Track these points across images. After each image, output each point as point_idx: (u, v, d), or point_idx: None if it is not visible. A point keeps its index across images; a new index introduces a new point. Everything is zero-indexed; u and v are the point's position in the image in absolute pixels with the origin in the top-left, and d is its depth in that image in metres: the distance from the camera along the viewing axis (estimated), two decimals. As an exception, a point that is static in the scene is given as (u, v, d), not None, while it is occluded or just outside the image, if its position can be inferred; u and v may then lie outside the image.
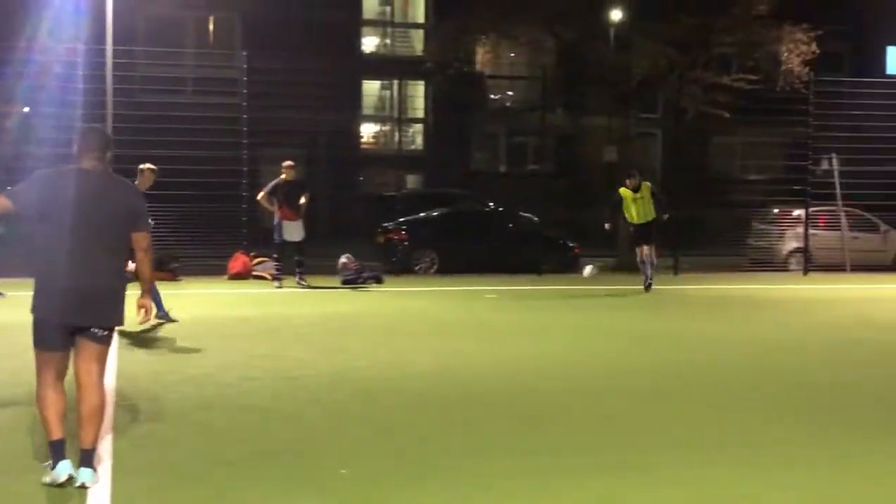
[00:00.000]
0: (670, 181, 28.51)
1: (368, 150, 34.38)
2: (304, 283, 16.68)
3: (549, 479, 5.85)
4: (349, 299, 15.32)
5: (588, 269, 17.15)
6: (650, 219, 16.78)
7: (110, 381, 8.22)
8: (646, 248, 16.73)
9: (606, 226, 17.51)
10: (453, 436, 6.85)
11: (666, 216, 17.15)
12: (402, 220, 20.48)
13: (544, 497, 5.51)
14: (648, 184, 16.96)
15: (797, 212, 21.64)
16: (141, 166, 12.27)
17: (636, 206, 16.71)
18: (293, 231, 16.55)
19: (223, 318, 12.86)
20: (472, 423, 7.26)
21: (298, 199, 16.55)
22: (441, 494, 5.56)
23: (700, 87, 21.91)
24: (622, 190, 16.87)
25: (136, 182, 12.16)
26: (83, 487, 5.41)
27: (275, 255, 17.06)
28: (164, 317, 12.04)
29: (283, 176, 16.61)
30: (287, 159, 16.96)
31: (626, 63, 22.22)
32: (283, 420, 7.24)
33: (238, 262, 18.12)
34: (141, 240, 5.79)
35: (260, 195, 16.75)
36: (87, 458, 5.55)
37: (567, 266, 20.94)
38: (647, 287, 16.63)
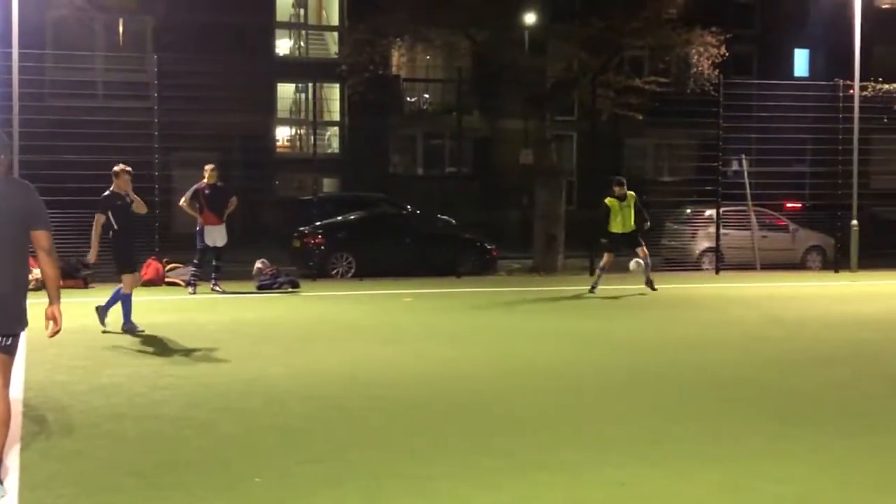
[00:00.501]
0: (585, 182, 28.90)
1: (284, 154, 34.16)
2: (218, 288, 16.47)
3: (462, 481, 5.87)
4: (265, 305, 15.19)
5: (633, 264, 16.75)
6: (633, 229, 16.71)
7: (17, 391, 8.04)
8: (640, 251, 16.77)
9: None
10: (368, 441, 6.84)
11: (647, 225, 17.20)
12: (318, 223, 20.36)
13: (457, 500, 5.53)
14: (633, 193, 16.90)
15: (709, 212, 22.09)
16: (115, 168, 12.15)
17: (622, 214, 16.62)
18: (216, 236, 16.34)
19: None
20: (386, 427, 7.26)
21: (222, 202, 16.36)
22: (358, 498, 5.55)
23: (613, 89, 22.21)
24: (608, 200, 16.73)
25: (112, 186, 12.08)
26: (-11, 502, 5.29)
27: (195, 261, 16.80)
28: (131, 330, 11.85)
29: (204, 180, 16.40)
30: (207, 163, 16.79)
31: (541, 66, 22.43)
32: (195, 428, 7.15)
33: (150, 268, 17.80)
34: (41, 238, 5.58)
35: (182, 201, 16.50)
36: (-8, 472, 5.42)
37: (485, 268, 21.06)
38: (650, 285, 16.78)
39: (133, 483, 5.77)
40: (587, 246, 20.62)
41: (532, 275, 21.01)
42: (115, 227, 11.71)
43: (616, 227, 16.69)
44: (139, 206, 12.14)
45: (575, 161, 33.50)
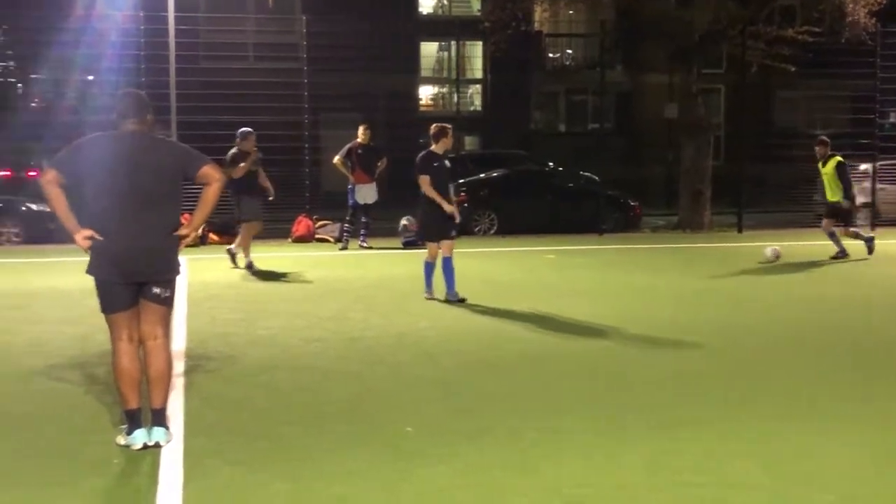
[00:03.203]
0: (734, 137, 28.18)
1: (427, 112, 34.42)
2: (366, 244, 16.88)
3: (607, 437, 5.91)
4: (410, 261, 15.43)
5: (769, 252, 14.84)
6: (834, 199, 15.00)
7: (180, 342, 8.47)
8: (850, 228, 15.34)
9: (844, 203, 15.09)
10: (514, 394, 6.93)
11: (846, 203, 14.98)
12: (461, 181, 20.52)
13: (604, 454, 5.58)
14: (838, 158, 14.94)
15: (864, 166, 21.26)
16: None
17: (823, 179, 15.14)
18: (367, 193, 16.77)
19: (287, 281, 13.10)
20: (532, 382, 7.34)
21: (373, 161, 16.74)
22: (505, 448, 5.66)
23: (763, 40, 21.53)
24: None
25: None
26: (157, 446, 5.59)
27: (347, 218, 17.25)
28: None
29: (357, 139, 16.78)
30: (353, 123, 17.17)
31: (687, 17, 21.91)
32: (347, 380, 7.38)
33: (301, 225, 18.38)
34: (209, 173, 5.73)
35: (335, 159, 16.92)
36: (158, 418, 5.73)
37: (628, 225, 20.87)
38: (870, 248, 15.32)
39: (289, 431, 6.02)
40: (735, 202, 20.17)
41: (677, 232, 20.72)
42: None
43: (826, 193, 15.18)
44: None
45: (723, 115, 32.68)
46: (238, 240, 14.16)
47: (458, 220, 11.27)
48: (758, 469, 5.31)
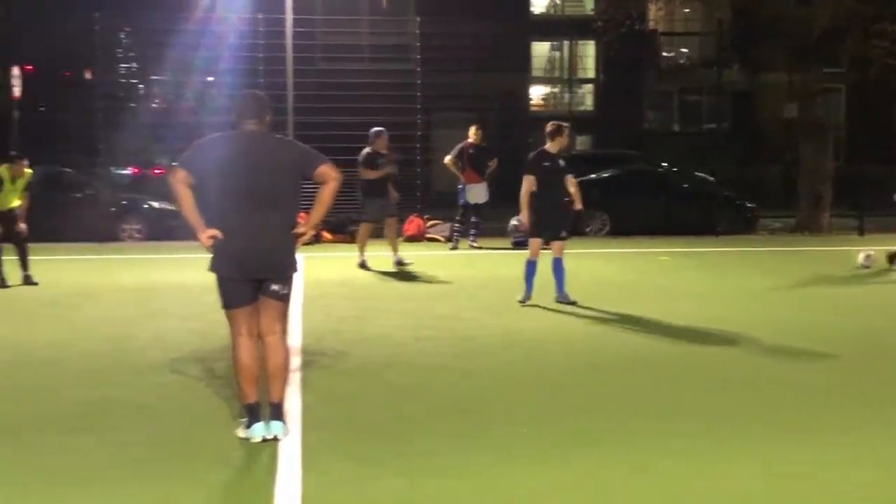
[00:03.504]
0: (855, 138, 27.35)
1: (538, 112, 34.33)
2: (476, 244, 16.94)
3: (723, 441, 5.81)
4: (519, 261, 15.34)
5: (861, 257, 14.16)
6: None
7: (297, 339, 8.64)
8: None
9: None
10: (625, 397, 6.87)
11: None
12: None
13: (719, 459, 5.49)
14: None
15: None
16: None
17: None
18: (478, 193, 16.83)
19: (399, 280, 13.24)
20: (643, 385, 7.26)
21: (483, 161, 16.79)
22: (619, 451, 5.62)
23: (888, 39, 20.83)
24: None
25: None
26: (275, 440, 5.71)
27: (457, 218, 17.35)
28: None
29: (469, 139, 16.86)
30: (464, 123, 17.26)
31: (807, 15, 21.35)
32: (459, 378, 7.42)
33: (412, 224, 18.55)
34: (327, 171, 5.80)
35: (447, 159, 17.03)
36: (276, 412, 5.85)
37: (744, 227, 20.45)
38: None
39: (403, 427, 6.09)
40: (856, 205, 19.58)
41: (795, 234, 20.23)
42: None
43: None
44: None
45: (843, 115, 31.75)
46: (391, 244, 14.32)
47: (579, 206, 11.06)
48: (883, 477, 5.15)
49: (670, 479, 5.16)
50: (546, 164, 10.79)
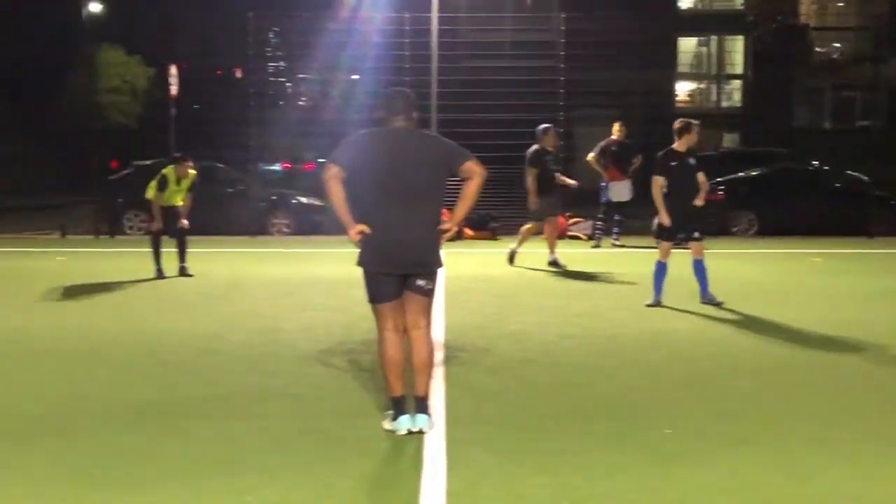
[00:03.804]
0: None
1: (683, 108, 33.76)
2: (619, 242, 16.77)
3: (881, 450, 5.61)
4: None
5: None
6: None
7: (440, 334, 8.73)
8: None
9: None
10: (775, 401, 6.69)
11: None
12: (718, 179, 19.98)
13: (877, 467, 5.30)
14: None
15: None
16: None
17: None
18: (621, 191, 16.66)
19: (540, 277, 13.22)
20: (793, 389, 7.05)
21: (627, 159, 16.62)
22: (770, 455, 5.48)
23: None
24: None
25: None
26: (420, 433, 5.79)
27: (600, 216, 17.22)
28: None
29: (612, 136, 16.72)
30: (607, 120, 17.12)
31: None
32: (602, 377, 7.37)
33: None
34: (472, 167, 5.85)
35: (590, 156, 16.93)
36: (421, 405, 5.92)
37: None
38: None
39: (547, 425, 6.08)
40: None
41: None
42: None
43: None
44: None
45: None
46: (549, 243, 14.21)
47: (699, 202, 10.53)
48: None
49: (829, 487, 5.00)
50: (674, 163, 10.50)
